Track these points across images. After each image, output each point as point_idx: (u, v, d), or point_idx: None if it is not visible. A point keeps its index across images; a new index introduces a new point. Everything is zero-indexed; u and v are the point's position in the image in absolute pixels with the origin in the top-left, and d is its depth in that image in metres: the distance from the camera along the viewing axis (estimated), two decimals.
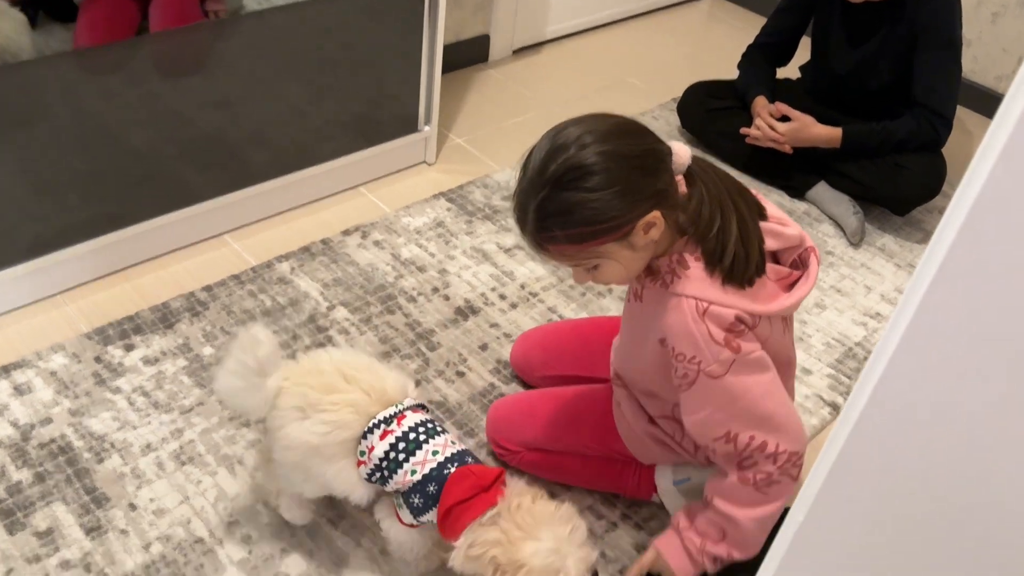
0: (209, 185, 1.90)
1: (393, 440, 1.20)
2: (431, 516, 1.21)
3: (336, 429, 1.20)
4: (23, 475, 1.42)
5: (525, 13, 2.83)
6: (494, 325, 1.82)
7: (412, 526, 1.24)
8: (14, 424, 1.49)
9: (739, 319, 1.11)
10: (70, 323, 1.69)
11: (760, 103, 2.26)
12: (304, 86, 1.96)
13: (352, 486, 1.23)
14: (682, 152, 1.11)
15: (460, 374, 1.70)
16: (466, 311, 1.84)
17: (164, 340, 1.68)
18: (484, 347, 1.76)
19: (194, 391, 1.58)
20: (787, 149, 2.21)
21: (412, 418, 1.24)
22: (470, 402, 1.64)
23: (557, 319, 1.85)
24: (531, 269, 1.98)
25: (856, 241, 2.19)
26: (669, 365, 1.17)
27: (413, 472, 1.19)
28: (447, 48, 2.49)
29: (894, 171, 2.15)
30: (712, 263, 1.12)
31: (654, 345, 1.18)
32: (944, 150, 2.19)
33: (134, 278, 1.82)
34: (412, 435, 1.21)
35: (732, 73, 2.47)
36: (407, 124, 2.21)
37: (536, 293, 1.92)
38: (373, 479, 1.22)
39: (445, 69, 2.40)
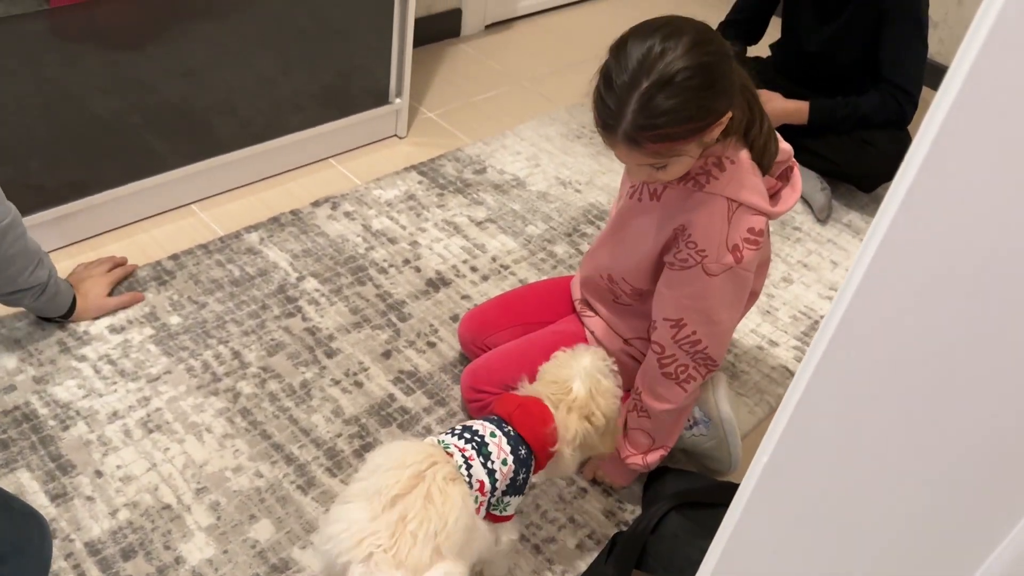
0: (176, 154, 1.87)
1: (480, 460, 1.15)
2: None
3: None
4: None
5: None
6: (465, 296, 1.82)
7: (510, 517, 1.22)
8: None
9: (759, 230, 1.21)
10: None
11: None
12: (274, 56, 1.93)
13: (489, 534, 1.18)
14: (729, 48, 1.17)
15: (431, 344, 1.70)
16: (437, 283, 1.84)
17: (131, 309, 1.66)
18: (455, 318, 1.76)
19: (161, 359, 1.57)
20: None
21: (450, 444, 1.16)
22: (441, 372, 1.64)
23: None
24: (502, 242, 1.98)
25: (823, 217, 2.22)
26: (668, 249, 1.26)
27: (504, 462, 1.16)
28: (419, 21, 2.47)
29: (861, 148, 2.18)
30: (753, 159, 1.22)
31: (666, 235, 1.26)
32: (910, 128, 2.22)
33: (99, 247, 1.79)
34: (470, 449, 1.16)
35: None
36: (378, 97, 2.19)
37: (507, 266, 1.92)
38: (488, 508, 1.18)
39: (417, 43, 2.39)
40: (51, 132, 1.66)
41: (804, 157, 2.29)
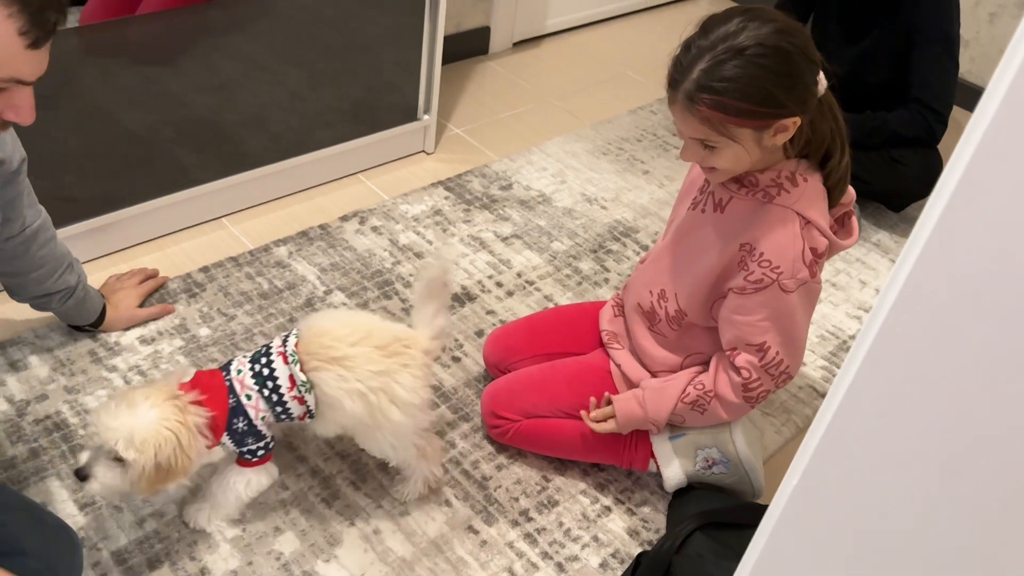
0: (207, 168, 1.90)
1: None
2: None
3: None
4: (18, 450, 1.42)
5: (526, 6, 2.84)
6: (490, 312, 1.83)
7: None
8: (9, 400, 1.49)
9: (822, 252, 1.21)
10: None
11: None
12: (305, 72, 1.96)
13: None
14: (822, 80, 1.18)
15: (456, 359, 1.70)
16: (463, 297, 1.85)
17: (161, 320, 1.68)
18: (480, 333, 1.77)
19: (190, 371, 1.58)
20: None
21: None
22: (465, 387, 1.64)
23: (552, 307, 1.85)
24: (527, 258, 1.99)
25: None
26: (732, 271, 1.25)
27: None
28: (448, 39, 2.50)
29: (890, 166, 2.16)
30: (826, 185, 1.23)
31: (731, 252, 1.25)
32: (941, 148, 2.20)
33: (131, 259, 1.82)
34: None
35: None
36: (407, 113, 2.22)
37: (532, 281, 1.93)
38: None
39: (446, 60, 2.41)
40: (85, 146, 1.69)
41: None
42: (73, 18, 1.58)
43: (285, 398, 1.25)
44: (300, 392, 1.25)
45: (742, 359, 1.28)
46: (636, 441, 1.45)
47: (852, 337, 1.90)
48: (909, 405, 0.59)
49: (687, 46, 1.15)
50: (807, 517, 0.66)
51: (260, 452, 1.28)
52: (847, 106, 2.22)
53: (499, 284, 1.90)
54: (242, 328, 1.69)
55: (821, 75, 1.18)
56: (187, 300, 1.73)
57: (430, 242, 1.99)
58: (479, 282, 1.90)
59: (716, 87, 1.11)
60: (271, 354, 1.27)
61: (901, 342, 0.55)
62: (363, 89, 2.09)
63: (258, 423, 1.25)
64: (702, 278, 1.30)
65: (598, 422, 1.42)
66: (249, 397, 1.24)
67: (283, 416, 1.26)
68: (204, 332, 1.67)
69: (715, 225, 1.28)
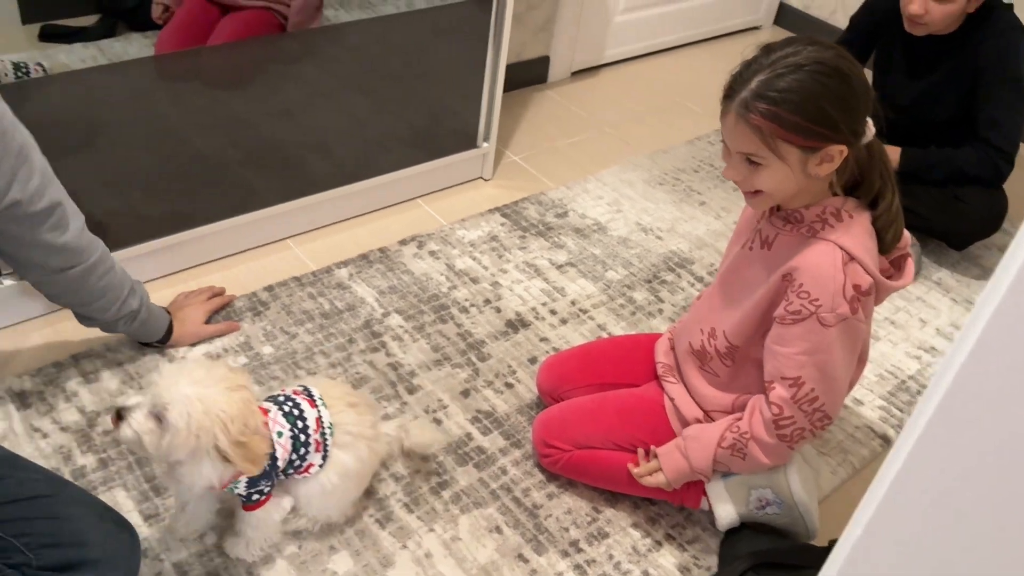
0: (274, 191, 1.96)
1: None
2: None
3: None
4: (87, 460, 1.47)
5: (585, 36, 2.87)
6: (544, 339, 1.84)
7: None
8: (81, 411, 1.56)
9: (866, 290, 1.20)
10: None
11: None
12: (369, 100, 2.01)
13: None
14: (871, 125, 1.20)
15: (509, 385, 1.72)
16: (516, 324, 1.87)
17: (226, 337, 1.73)
18: (533, 360, 1.78)
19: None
20: None
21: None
22: (518, 413, 1.66)
23: (606, 336, 1.86)
24: (582, 286, 2.00)
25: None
26: (777, 301, 1.25)
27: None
28: (508, 67, 2.54)
29: (953, 204, 2.13)
30: (873, 226, 1.23)
31: (775, 282, 1.25)
32: (1006, 186, 2.16)
33: (199, 277, 1.88)
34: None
35: None
36: (466, 140, 2.26)
37: (586, 310, 1.94)
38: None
39: (505, 88, 2.45)
40: (159, 167, 1.76)
41: None
42: (148, 42, 1.66)
43: (310, 440, 1.28)
44: (323, 436, 1.29)
45: (775, 394, 1.28)
46: (688, 484, 1.44)
47: (911, 377, 1.87)
48: (985, 460, 0.58)
49: (748, 63, 1.18)
50: (870, 571, 0.66)
51: (267, 491, 1.27)
52: (909, 141, 2.22)
53: (553, 312, 1.92)
54: (303, 347, 1.73)
55: (870, 121, 1.19)
56: (252, 318, 1.79)
57: (486, 267, 2.02)
58: (533, 309, 1.92)
59: (772, 96, 1.13)
60: (294, 398, 1.31)
61: (977, 393, 0.55)
62: (425, 116, 2.14)
63: (281, 463, 1.26)
64: (750, 312, 1.30)
65: (645, 476, 1.42)
66: (280, 435, 1.26)
67: (297, 462, 1.28)
68: (267, 350, 1.72)
69: (763, 261, 1.29)
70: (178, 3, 1.66)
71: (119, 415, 1.16)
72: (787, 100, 1.12)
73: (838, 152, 1.16)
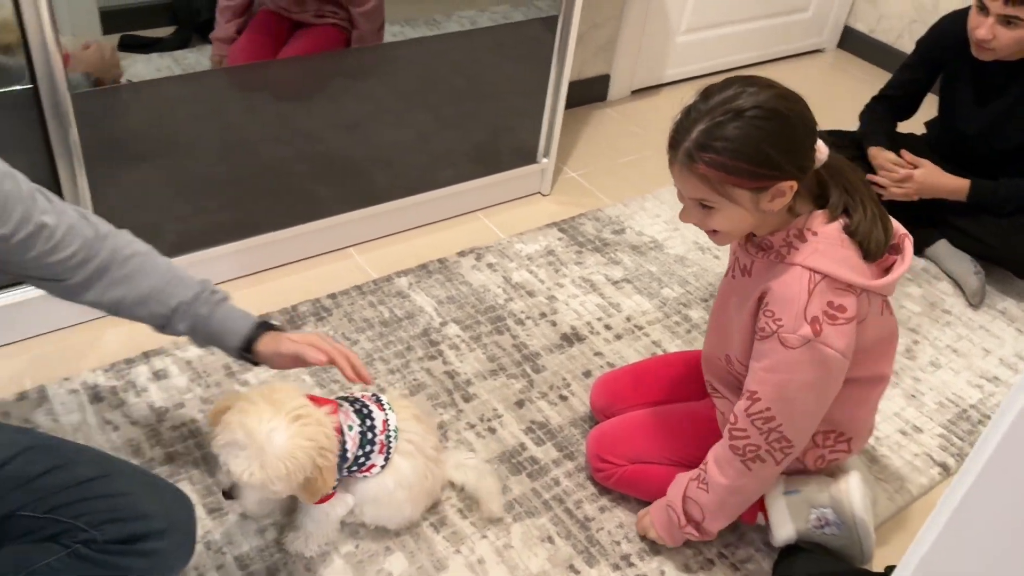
0: (339, 201, 2.02)
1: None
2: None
3: None
4: (155, 453, 1.53)
5: (646, 56, 2.89)
6: (598, 354, 1.86)
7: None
8: (150, 406, 1.62)
9: (840, 305, 1.18)
10: None
11: (877, 151, 2.24)
12: (432, 114, 2.06)
13: None
14: (823, 147, 1.20)
15: (563, 398, 1.74)
16: (571, 338, 1.89)
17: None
18: (587, 374, 1.80)
19: (314, 390, 1.68)
20: (911, 193, 2.16)
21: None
22: (571, 426, 1.68)
23: (660, 353, 1.87)
24: (637, 303, 2.01)
25: (976, 302, 2.13)
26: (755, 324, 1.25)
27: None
28: (570, 85, 2.57)
29: (1018, 232, 2.09)
30: (858, 244, 1.21)
31: (752, 304, 1.25)
32: None
33: (266, 281, 1.95)
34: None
35: (852, 125, 2.45)
36: (526, 156, 2.29)
37: (641, 327, 1.95)
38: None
39: (565, 105, 2.48)
40: (229, 175, 1.83)
41: (957, 238, 2.22)
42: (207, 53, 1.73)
43: (375, 439, 1.32)
44: (387, 438, 1.33)
45: (737, 405, 1.29)
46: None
47: (973, 406, 1.84)
48: None
49: (688, 110, 1.19)
50: None
51: (334, 487, 1.30)
52: (977, 169, 2.19)
53: (608, 327, 1.93)
54: (363, 353, 1.78)
55: (821, 143, 1.20)
56: (315, 324, 1.84)
57: (542, 281, 2.04)
58: (588, 323, 1.93)
59: (715, 146, 1.14)
60: (363, 400, 1.35)
61: None
62: (486, 132, 2.18)
63: (351, 455, 1.30)
64: (746, 336, 1.30)
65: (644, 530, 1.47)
66: (351, 428, 1.30)
67: (361, 459, 1.32)
68: None
69: (744, 288, 1.29)
70: (241, 15, 1.73)
71: (227, 497, 1.22)
72: (729, 148, 1.13)
73: (788, 187, 1.16)
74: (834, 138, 2.48)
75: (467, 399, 1.70)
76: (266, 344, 1.28)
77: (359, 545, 1.42)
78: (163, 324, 1.29)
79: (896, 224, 1.28)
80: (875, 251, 1.21)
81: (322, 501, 1.32)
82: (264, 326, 1.31)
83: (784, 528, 1.39)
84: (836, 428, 1.37)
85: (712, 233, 1.25)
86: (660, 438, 1.49)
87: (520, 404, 1.71)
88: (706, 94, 1.18)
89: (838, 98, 3.08)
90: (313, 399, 1.27)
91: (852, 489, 1.37)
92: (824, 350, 1.18)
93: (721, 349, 1.40)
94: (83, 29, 1.58)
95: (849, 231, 1.20)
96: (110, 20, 1.62)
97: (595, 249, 2.17)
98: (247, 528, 1.42)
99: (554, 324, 1.92)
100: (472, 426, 1.65)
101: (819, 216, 1.21)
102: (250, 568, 1.36)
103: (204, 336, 1.31)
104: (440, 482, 1.45)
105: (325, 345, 1.29)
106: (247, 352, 1.30)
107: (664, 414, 1.52)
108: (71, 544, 1.12)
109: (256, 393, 1.21)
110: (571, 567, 1.42)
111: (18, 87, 1.50)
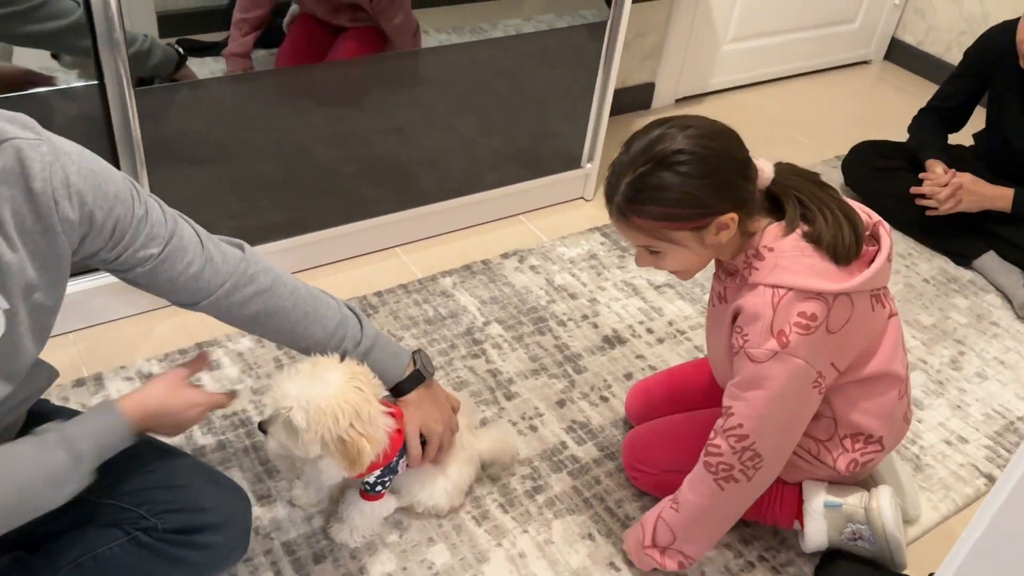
0: (386, 202, 2.06)
1: None
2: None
3: None
4: (207, 440, 1.58)
5: (692, 65, 2.91)
6: (639, 356, 1.87)
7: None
8: None
9: (812, 314, 1.16)
10: None
11: (935, 163, 2.23)
12: (479, 119, 2.10)
13: None
14: (766, 167, 1.20)
15: (604, 399, 1.75)
16: (613, 340, 1.90)
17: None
18: (629, 376, 1.81)
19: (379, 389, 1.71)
20: (959, 200, 2.14)
21: None
22: (612, 427, 1.69)
23: (702, 357, 1.87)
24: (679, 308, 2.02)
25: None
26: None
27: None
28: (615, 92, 2.59)
29: None
30: (826, 251, 1.18)
31: (727, 328, 1.25)
32: None
33: (315, 278, 1.99)
34: None
35: (899, 136, 2.44)
36: (570, 161, 2.32)
37: (683, 331, 1.95)
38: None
39: (610, 113, 2.50)
40: (281, 175, 1.88)
41: (1004, 250, 2.20)
42: (273, 58, 1.77)
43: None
44: None
45: (716, 422, 1.28)
46: (781, 497, 1.44)
47: (1020, 419, 1.81)
48: None
49: (613, 164, 1.19)
50: None
51: (387, 485, 1.34)
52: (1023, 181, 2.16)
53: (650, 331, 1.94)
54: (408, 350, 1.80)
55: (763, 164, 1.20)
56: None
57: (584, 284, 2.06)
58: (630, 327, 1.95)
59: (641, 198, 1.15)
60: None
61: None
62: (531, 137, 2.21)
63: (414, 464, 1.35)
64: (728, 360, 1.29)
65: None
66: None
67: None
68: None
69: (721, 314, 1.29)
70: (259, 28, 1.76)
71: (262, 430, 1.24)
72: (656, 198, 1.14)
73: (728, 220, 1.16)
74: (882, 149, 2.49)
75: (509, 397, 1.73)
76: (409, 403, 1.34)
77: (403, 535, 1.44)
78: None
79: (867, 213, 1.25)
80: (845, 253, 1.18)
81: (371, 499, 1.35)
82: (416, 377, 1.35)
83: (818, 539, 1.39)
84: (860, 430, 1.34)
85: (672, 272, 1.27)
86: (692, 446, 1.47)
87: (561, 404, 1.73)
88: (628, 144, 1.18)
89: (885, 110, 3.06)
90: (384, 403, 1.27)
91: (884, 507, 1.36)
92: (791, 360, 1.17)
93: (723, 379, 1.38)
94: (142, 31, 1.64)
95: (811, 239, 1.18)
96: (167, 23, 1.68)
97: None
98: (295, 516, 1.46)
99: (596, 326, 1.94)
100: (514, 424, 1.67)
101: (773, 230, 1.20)
102: (297, 554, 1.40)
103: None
104: (476, 451, 1.47)
105: (441, 452, 1.38)
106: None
107: (696, 421, 1.51)
108: (132, 531, 1.16)
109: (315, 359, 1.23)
110: (611, 564, 1.43)
111: (86, 83, 1.57)
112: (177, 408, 1.16)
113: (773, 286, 1.17)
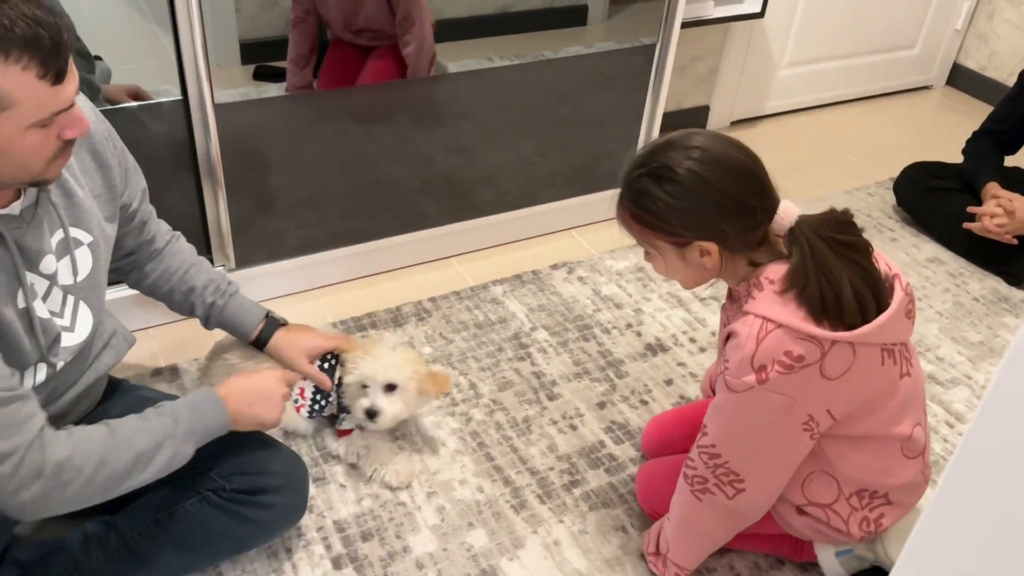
0: (443, 214, 2.18)
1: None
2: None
3: None
4: (274, 433, 1.70)
5: (747, 88, 2.97)
6: (681, 364, 1.93)
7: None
8: None
9: (799, 355, 1.14)
10: (320, 313, 2.01)
11: (993, 187, 2.23)
12: (533, 138, 2.21)
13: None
14: (787, 213, 1.18)
15: (644, 402, 1.82)
16: (656, 348, 1.97)
17: (393, 336, 1.94)
18: (669, 382, 1.87)
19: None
20: (1009, 239, 2.15)
21: None
22: None
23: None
24: None
25: None
26: None
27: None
28: (668, 115, 2.67)
29: None
30: (796, 296, 1.15)
31: (721, 350, 1.27)
32: None
33: (375, 284, 2.12)
34: None
35: (957, 159, 2.44)
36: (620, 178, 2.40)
37: None
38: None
39: (664, 133, 2.58)
40: (347, 188, 2.02)
41: None
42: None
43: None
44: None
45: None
46: (802, 549, 1.46)
47: None
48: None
49: (629, 163, 1.24)
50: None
51: (325, 410, 1.64)
52: None
53: (692, 340, 2.00)
54: (458, 351, 1.91)
55: (786, 208, 1.17)
56: (416, 323, 1.99)
57: (630, 295, 2.13)
58: (673, 336, 2.01)
59: (630, 196, 1.21)
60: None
61: None
62: (583, 156, 2.31)
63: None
64: None
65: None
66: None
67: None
68: (427, 350, 1.91)
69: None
70: (310, 61, 1.90)
71: (372, 415, 1.51)
72: (638, 203, 1.20)
73: (709, 247, 1.18)
74: (934, 169, 2.50)
75: (551, 398, 1.81)
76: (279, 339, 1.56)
77: (444, 519, 1.53)
78: (180, 305, 1.52)
79: (887, 264, 1.23)
80: (832, 316, 1.14)
81: (344, 433, 1.62)
82: (273, 323, 1.56)
83: (832, 568, 1.43)
84: (865, 487, 1.31)
85: (669, 278, 1.30)
86: None
87: (601, 405, 1.80)
88: (647, 147, 1.23)
89: (946, 135, 3.05)
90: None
91: (891, 553, 1.37)
92: (768, 395, 1.16)
93: None
94: (226, 58, 1.81)
95: (803, 302, 1.15)
96: (248, 51, 1.84)
97: None
98: (346, 497, 1.56)
99: (639, 334, 2.00)
100: (555, 422, 1.75)
101: (777, 267, 1.19)
102: (346, 532, 1.50)
103: (217, 324, 1.54)
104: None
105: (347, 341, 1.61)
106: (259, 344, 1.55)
107: None
108: (203, 491, 1.29)
109: (360, 342, 1.58)
110: (643, 556, 1.49)
111: (172, 98, 1.74)
112: (259, 382, 1.32)
113: (764, 318, 1.16)
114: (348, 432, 1.61)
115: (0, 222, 1.07)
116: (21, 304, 1.11)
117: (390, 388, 1.51)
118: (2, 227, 1.07)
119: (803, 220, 1.18)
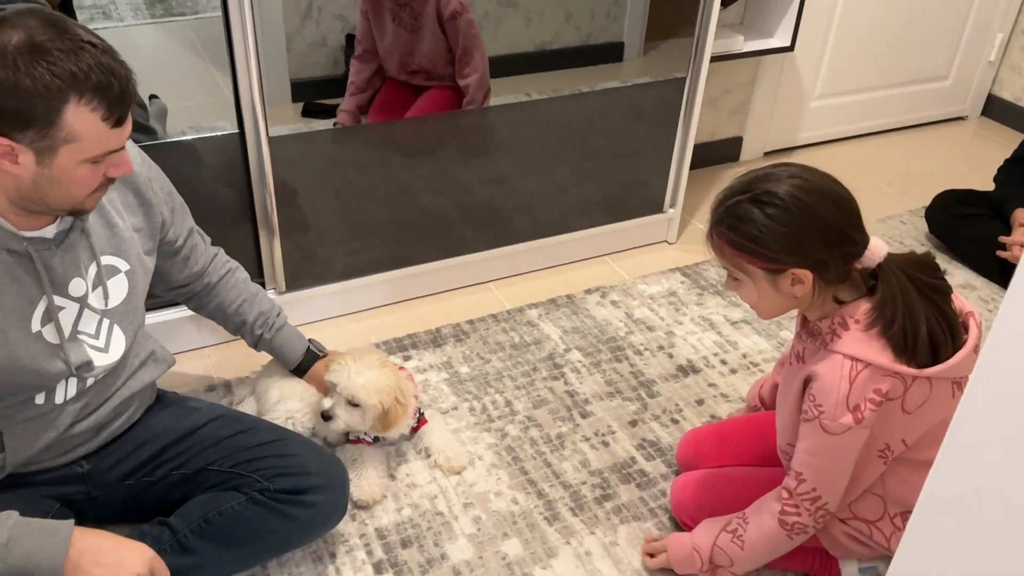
0: (481, 241, 2.27)
1: None
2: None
3: None
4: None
5: (779, 120, 3.03)
6: (712, 385, 1.97)
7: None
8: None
9: (886, 391, 1.20)
10: (363, 334, 2.11)
11: (1022, 215, 2.25)
12: (568, 168, 2.29)
13: None
14: (877, 249, 1.23)
15: (674, 421, 1.87)
16: (687, 369, 2.02)
17: (432, 356, 2.03)
18: (700, 402, 1.92)
19: (450, 398, 1.90)
20: None
21: None
22: None
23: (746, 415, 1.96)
24: (754, 342, 2.12)
25: None
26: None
27: None
28: (702, 146, 2.76)
29: None
30: (881, 332, 1.21)
31: (798, 388, 1.29)
32: None
33: (415, 307, 2.21)
34: None
35: (990, 188, 2.47)
36: (653, 206, 2.47)
37: (757, 363, 2.05)
38: None
39: (698, 164, 2.66)
40: (391, 216, 2.12)
41: None
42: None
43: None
44: None
45: (786, 481, 1.34)
46: (830, 567, 1.49)
47: None
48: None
49: (726, 188, 1.27)
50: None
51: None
52: None
53: (723, 362, 2.05)
54: (494, 371, 1.99)
55: (876, 244, 1.22)
56: (454, 343, 2.07)
57: (662, 318, 2.19)
58: (704, 357, 2.06)
59: (728, 222, 1.23)
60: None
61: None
62: (617, 184, 2.39)
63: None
64: (793, 420, 1.34)
65: (652, 556, 1.51)
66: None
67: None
68: (464, 370, 1.99)
69: (797, 374, 1.32)
70: (364, 90, 2.02)
71: (326, 417, 1.58)
72: (737, 227, 1.22)
73: (803, 275, 1.21)
74: (963, 196, 2.53)
75: (584, 415, 1.87)
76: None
77: (480, 528, 1.60)
78: (233, 333, 1.68)
79: (962, 303, 1.28)
80: (912, 354, 1.20)
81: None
82: (311, 356, 1.72)
83: None
84: (910, 509, 1.29)
85: (753, 307, 1.32)
86: (734, 506, 1.48)
87: (633, 423, 1.85)
88: (743, 176, 1.27)
89: (982, 164, 3.07)
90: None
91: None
92: (862, 432, 1.23)
93: (783, 439, 1.42)
94: (277, 96, 1.93)
95: (887, 339, 1.21)
96: (298, 89, 1.97)
97: (716, 292, 2.30)
98: (387, 506, 1.64)
99: (671, 356, 2.06)
100: (587, 439, 1.81)
101: (863, 304, 1.23)
102: (387, 539, 1.57)
103: (264, 351, 1.70)
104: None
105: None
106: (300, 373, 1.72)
107: (739, 480, 1.54)
108: (249, 492, 1.38)
109: (351, 353, 1.63)
110: (671, 570, 1.53)
111: (229, 131, 1.86)
112: (122, 552, 1.17)
113: (853, 358, 1.20)
114: (358, 442, 1.69)
115: (31, 244, 1.18)
116: (35, 327, 1.20)
117: (353, 404, 1.57)
118: (32, 248, 1.18)
119: (891, 258, 1.24)
